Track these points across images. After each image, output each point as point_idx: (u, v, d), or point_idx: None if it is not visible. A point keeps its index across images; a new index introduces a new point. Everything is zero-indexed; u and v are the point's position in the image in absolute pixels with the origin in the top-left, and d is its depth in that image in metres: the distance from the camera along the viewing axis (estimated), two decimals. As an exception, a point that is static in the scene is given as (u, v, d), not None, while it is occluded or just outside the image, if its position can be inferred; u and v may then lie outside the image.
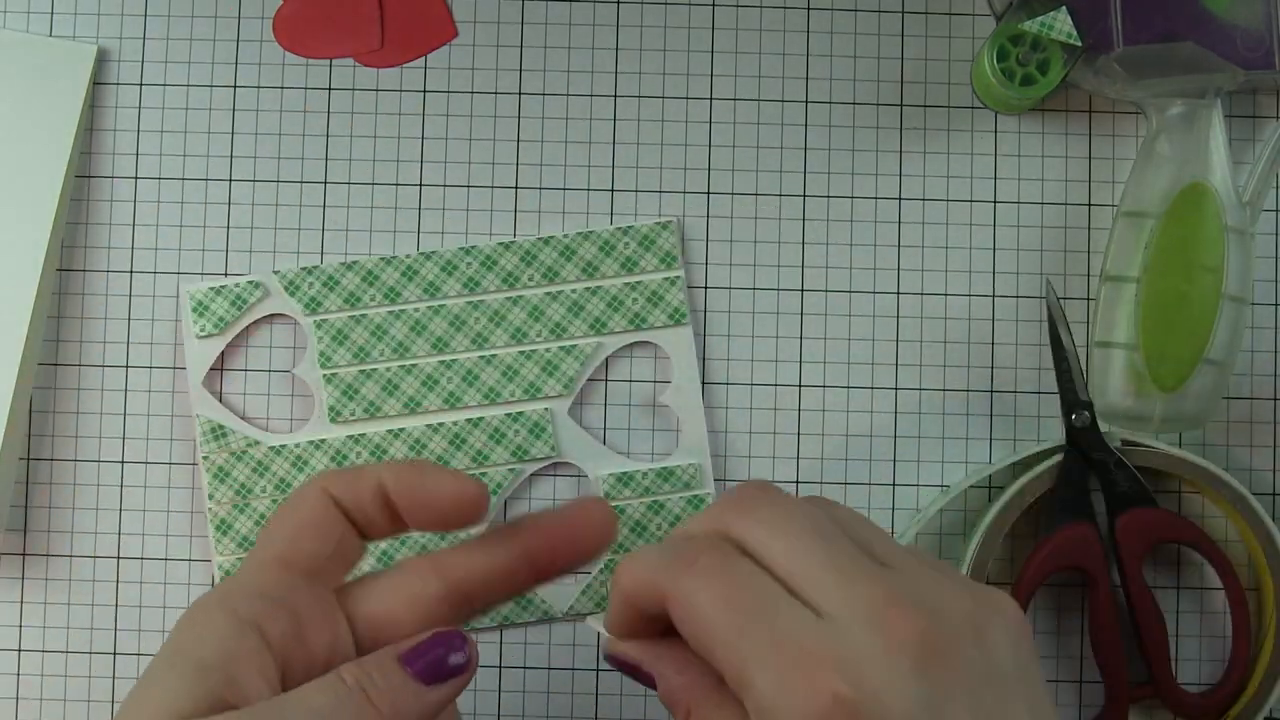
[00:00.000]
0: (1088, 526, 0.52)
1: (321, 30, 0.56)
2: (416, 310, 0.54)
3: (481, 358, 0.54)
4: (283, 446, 0.54)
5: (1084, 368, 0.53)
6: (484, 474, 0.54)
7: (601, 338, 0.54)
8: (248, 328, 0.54)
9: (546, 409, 0.54)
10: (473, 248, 0.54)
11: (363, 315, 0.54)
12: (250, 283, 0.54)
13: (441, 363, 0.54)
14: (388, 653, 0.39)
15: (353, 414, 0.53)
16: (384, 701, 0.37)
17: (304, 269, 0.54)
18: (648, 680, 0.40)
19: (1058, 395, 0.54)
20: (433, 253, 0.54)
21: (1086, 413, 0.52)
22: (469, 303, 0.54)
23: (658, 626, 0.38)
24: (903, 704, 0.34)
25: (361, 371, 0.54)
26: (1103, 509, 0.53)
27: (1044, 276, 0.55)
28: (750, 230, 0.55)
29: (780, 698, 0.34)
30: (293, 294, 0.54)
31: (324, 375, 0.54)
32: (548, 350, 0.54)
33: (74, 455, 0.54)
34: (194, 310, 0.54)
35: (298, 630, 0.38)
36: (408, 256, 0.54)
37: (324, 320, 0.54)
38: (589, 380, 0.54)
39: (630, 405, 0.55)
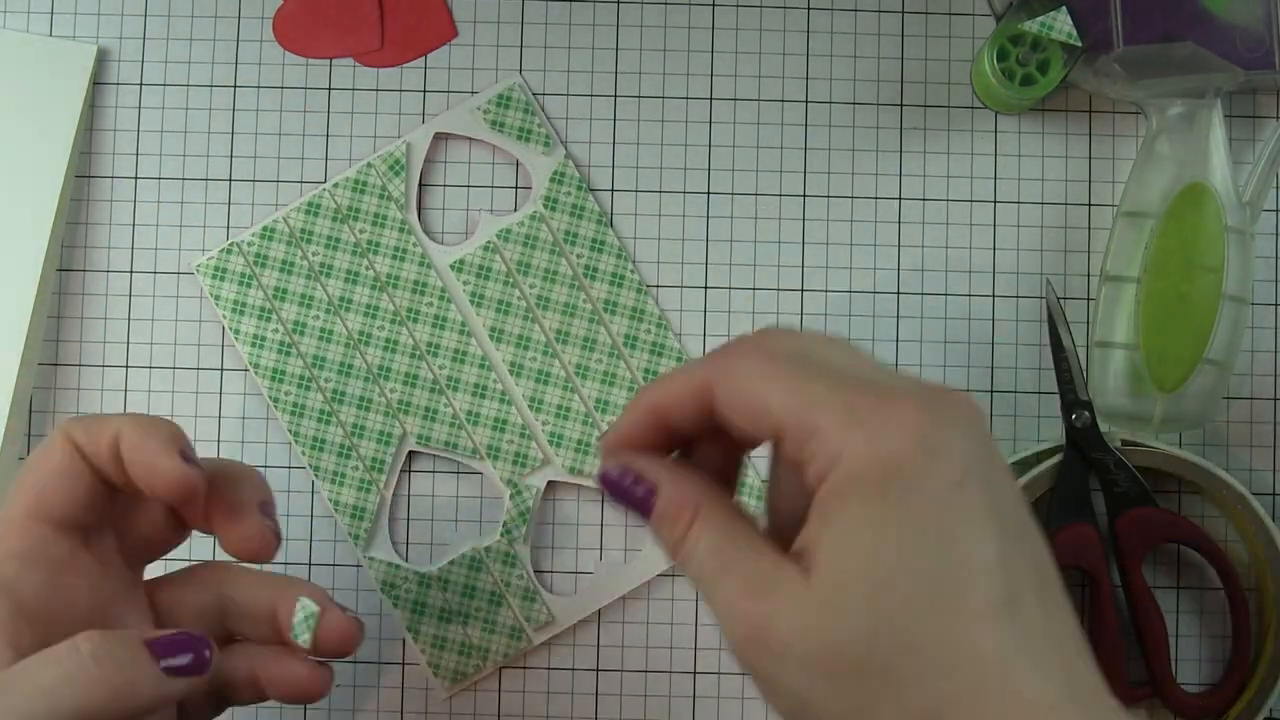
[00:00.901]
0: (1088, 526, 0.52)
1: (321, 30, 0.56)
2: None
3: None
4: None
5: (1084, 368, 0.53)
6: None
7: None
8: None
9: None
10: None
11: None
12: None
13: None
14: (134, 635, 0.38)
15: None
16: (119, 675, 0.36)
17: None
18: (642, 500, 0.38)
19: (1058, 395, 0.54)
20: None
21: (1086, 413, 0.52)
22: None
23: (665, 446, 0.38)
24: (970, 436, 0.34)
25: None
26: (1102, 509, 0.53)
27: (1044, 276, 0.55)
28: (750, 230, 0.55)
29: (855, 422, 0.34)
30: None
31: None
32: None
33: (74, 455, 0.54)
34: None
35: (56, 585, 0.37)
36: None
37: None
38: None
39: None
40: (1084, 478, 0.53)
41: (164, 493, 0.40)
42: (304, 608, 0.42)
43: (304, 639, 0.42)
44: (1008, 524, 0.35)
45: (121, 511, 0.42)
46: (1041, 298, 0.55)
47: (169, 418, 0.54)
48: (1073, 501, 0.52)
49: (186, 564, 0.45)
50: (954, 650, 0.33)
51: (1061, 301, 0.54)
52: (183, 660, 0.38)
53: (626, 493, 0.38)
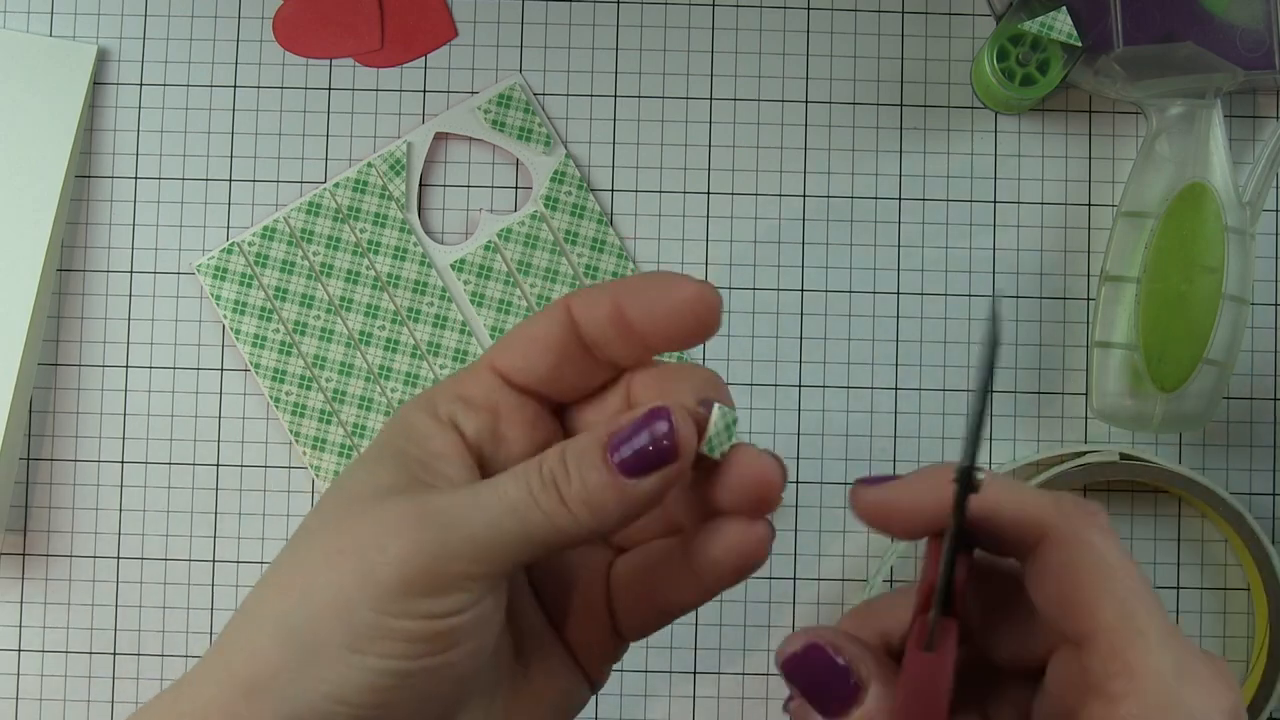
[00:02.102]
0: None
1: (321, 30, 0.56)
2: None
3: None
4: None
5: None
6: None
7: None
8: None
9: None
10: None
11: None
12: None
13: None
14: (594, 437, 0.33)
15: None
16: (576, 500, 0.33)
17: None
18: (838, 694, 0.32)
19: (1060, 395, 0.54)
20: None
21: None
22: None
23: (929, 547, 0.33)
24: None
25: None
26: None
27: (994, 293, 0.54)
28: (750, 230, 0.55)
29: (1182, 684, 0.30)
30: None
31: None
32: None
33: (74, 455, 0.54)
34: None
35: (496, 431, 0.35)
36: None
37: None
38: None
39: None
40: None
41: (690, 317, 0.34)
42: (724, 415, 0.34)
43: (722, 450, 0.34)
44: None
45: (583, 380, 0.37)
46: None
47: (166, 416, 0.55)
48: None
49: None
50: None
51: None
52: (638, 446, 0.33)
53: (822, 679, 0.32)
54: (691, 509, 0.36)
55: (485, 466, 0.35)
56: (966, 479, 0.30)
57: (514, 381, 0.36)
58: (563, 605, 0.38)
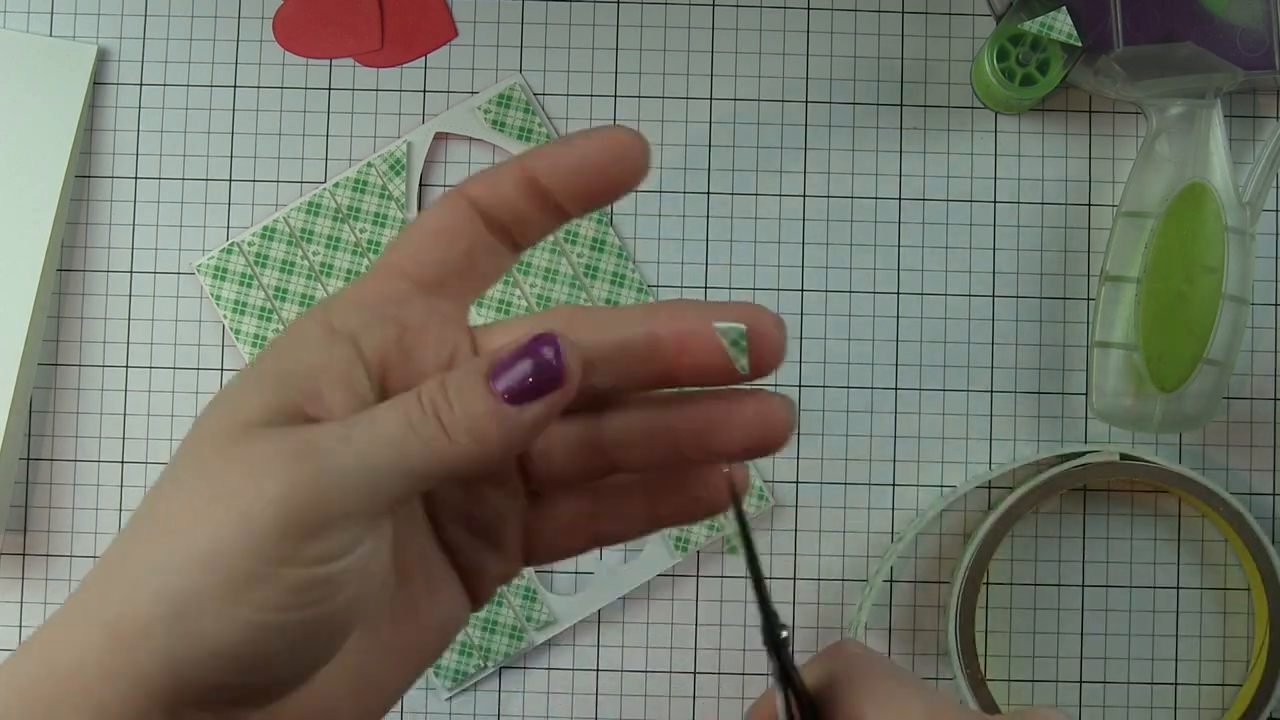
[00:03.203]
0: None
1: (321, 30, 0.56)
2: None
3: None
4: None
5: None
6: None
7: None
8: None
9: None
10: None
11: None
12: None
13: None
14: (475, 366, 0.32)
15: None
16: (458, 429, 0.31)
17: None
18: None
19: (1060, 395, 0.54)
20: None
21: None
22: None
23: None
24: None
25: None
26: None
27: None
28: (750, 230, 0.55)
29: None
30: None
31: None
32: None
33: (74, 455, 0.54)
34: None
35: (402, 342, 0.33)
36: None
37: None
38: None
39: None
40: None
41: (612, 164, 0.33)
42: (728, 333, 0.34)
43: (741, 364, 0.34)
44: None
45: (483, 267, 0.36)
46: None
47: (166, 416, 0.54)
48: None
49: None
50: None
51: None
52: (523, 374, 0.32)
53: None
54: (656, 442, 0.35)
55: (390, 387, 0.33)
56: (774, 642, 0.34)
57: (424, 281, 0.34)
58: (463, 535, 0.36)
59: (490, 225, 0.34)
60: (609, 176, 0.33)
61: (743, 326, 0.33)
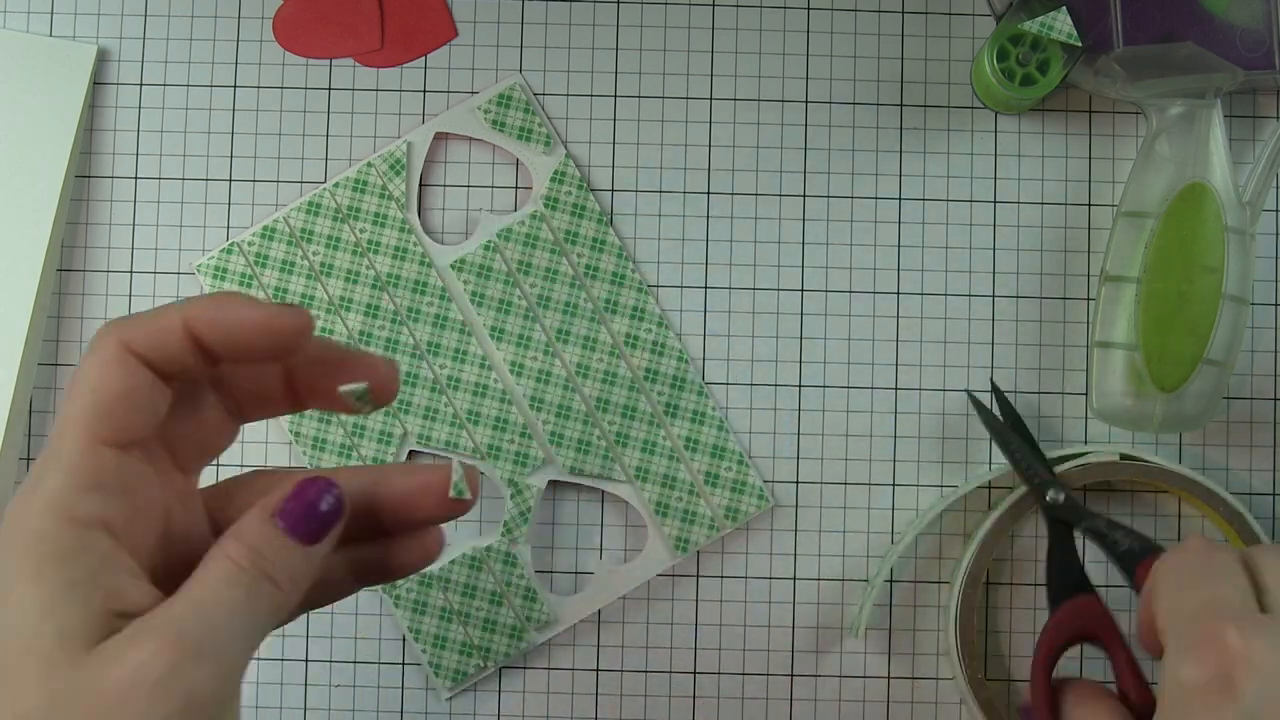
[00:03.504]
0: (1088, 598, 0.50)
1: (321, 30, 0.56)
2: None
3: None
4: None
5: (1036, 442, 0.52)
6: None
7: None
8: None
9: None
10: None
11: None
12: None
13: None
14: (260, 515, 0.35)
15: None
16: (284, 578, 0.35)
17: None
18: None
19: (1060, 395, 0.54)
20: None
21: (1059, 493, 0.51)
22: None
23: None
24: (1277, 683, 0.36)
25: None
26: (1105, 577, 0.53)
27: (968, 392, 0.54)
28: (750, 230, 0.55)
29: (1182, 633, 0.38)
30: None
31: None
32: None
33: (74, 455, 0.54)
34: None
35: (137, 514, 0.35)
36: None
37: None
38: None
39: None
40: (1072, 553, 0.51)
41: (271, 338, 0.36)
42: (354, 391, 0.38)
43: (464, 491, 0.40)
44: None
45: (174, 413, 0.38)
46: (986, 389, 0.55)
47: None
48: (1068, 579, 0.51)
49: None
50: None
51: (999, 395, 0.54)
52: (307, 516, 0.36)
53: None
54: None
55: (138, 556, 0.35)
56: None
57: (125, 445, 0.35)
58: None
59: (157, 372, 0.36)
60: (263, 347, 0.36)
61: (365, 385, 0.37)
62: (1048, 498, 0.51)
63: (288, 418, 0.54)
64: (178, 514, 0.37)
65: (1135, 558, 0.50)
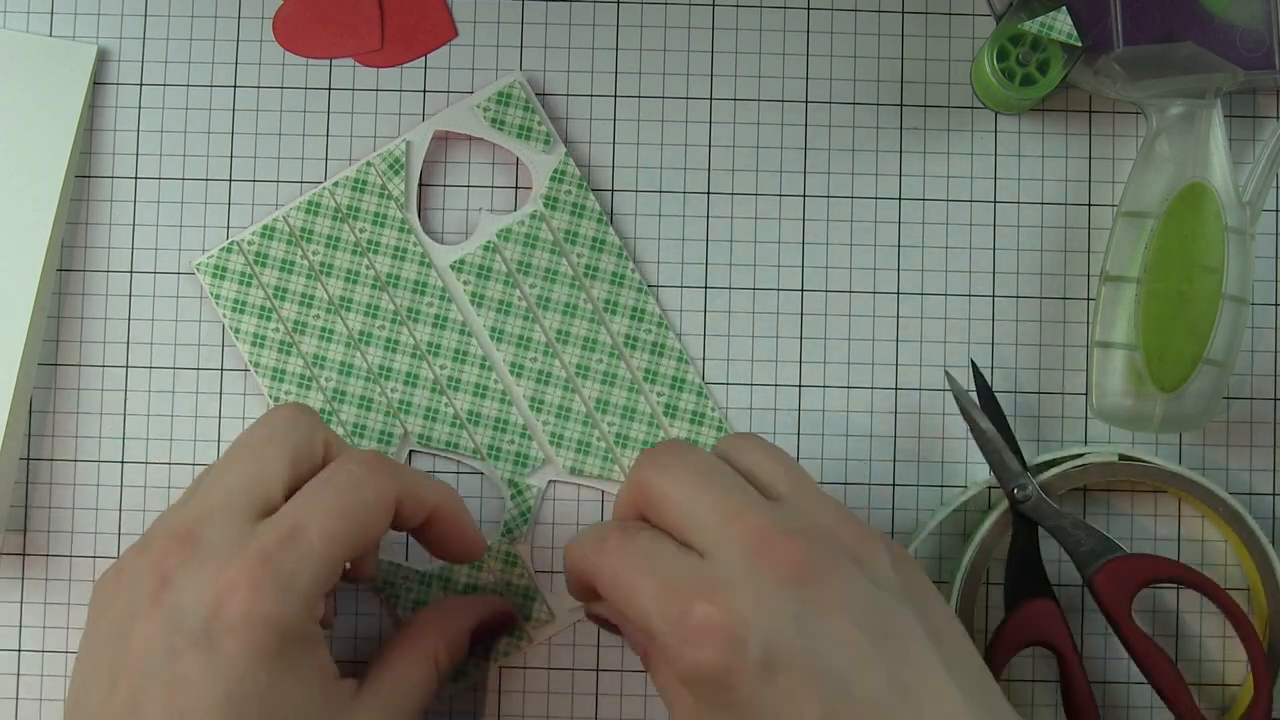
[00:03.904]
0: (1045, 601, 0.51)
1: (321, 30, 0.56)
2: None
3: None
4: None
5: (1013, 434, 0.52)
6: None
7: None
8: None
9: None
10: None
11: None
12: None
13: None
14: (463, 629, 0.50)
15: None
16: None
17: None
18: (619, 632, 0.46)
19: (1060, 395, 0.54)
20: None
21: (1028, 485, 0.52)
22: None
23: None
24: (774, 620, 0.38)
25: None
26: (1070, 576, 0.53)
27: (944, 369, 0.54)
28: (750, 230, 0.55)
29: (668, 632, 0.39)
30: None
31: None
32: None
33: (74, 455, 0.54)
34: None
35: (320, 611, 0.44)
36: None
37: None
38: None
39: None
40: (1035, 551, 0.52)
41: (463, 556, 0.50)
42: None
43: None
44: (830, 691, 0.38)
45: None
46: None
47: (166, 416, 0.54)
48: (1026, 578, 0.52)
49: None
50: None
51: (978, 375, 0.54)
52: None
53: (611, 629, 0.47)
54: None
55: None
56: None
57: (349, 560, 0.45)
58: None
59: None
60: (458, 559, 0.51)
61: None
62: (1015, 493, 0.51)
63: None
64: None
65: (1095, 558, 0.51)
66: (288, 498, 0.44)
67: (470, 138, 0.55)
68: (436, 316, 0.54)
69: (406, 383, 0.54)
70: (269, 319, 0.54)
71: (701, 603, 0.39)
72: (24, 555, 0.54)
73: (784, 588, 0.39)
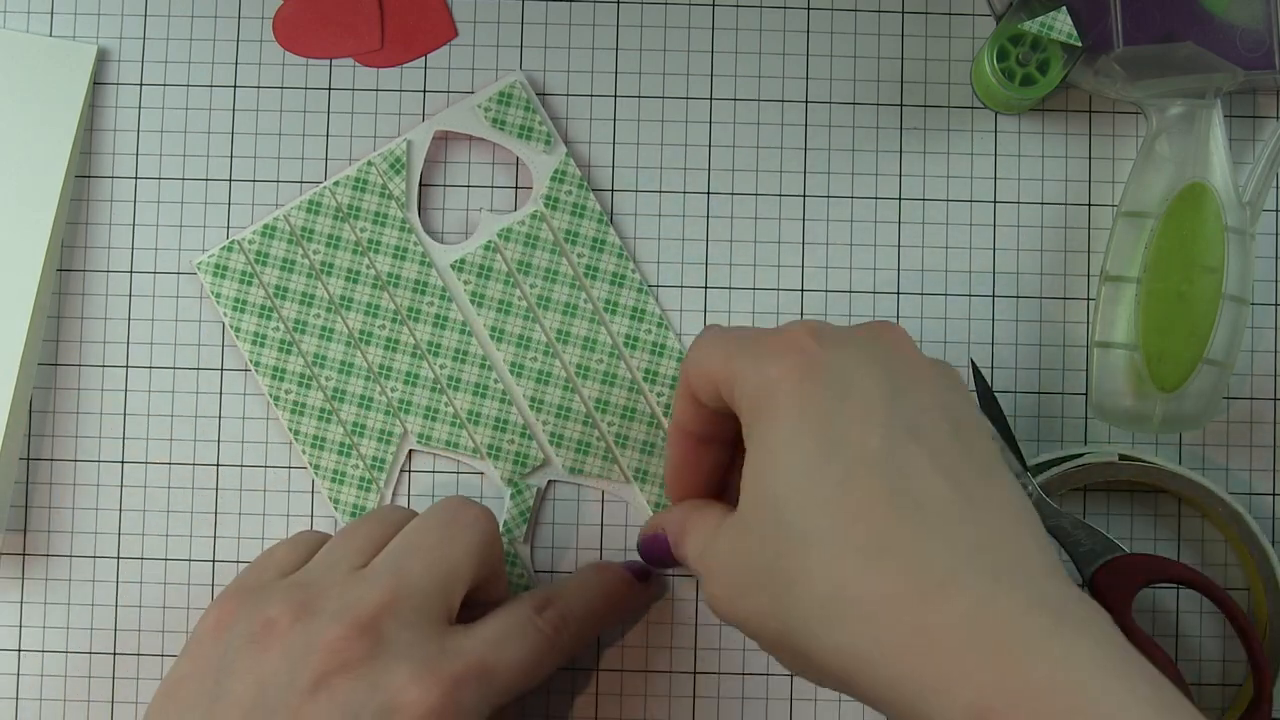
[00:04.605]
0: None
1: (321, 30, 0.56)
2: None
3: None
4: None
5: (1013, 434, 0.52)
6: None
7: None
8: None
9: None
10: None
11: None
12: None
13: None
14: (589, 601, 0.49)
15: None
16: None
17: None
18: (663, 551, 0.48)
19: (1060, 395, 0.54)
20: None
21: (1028, 485, 0.51)
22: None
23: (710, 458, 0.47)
24: (856, 356, 0.40)
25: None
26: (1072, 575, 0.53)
27: (969, 363, 0.54)
28: (750, 230, 0.55)
29: (755, 362, 0.40)
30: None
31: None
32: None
33: (74, 455, 0.54)
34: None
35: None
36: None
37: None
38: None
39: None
40: None
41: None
42: None
43: None
44: (899, 420, 0.38)
45: None
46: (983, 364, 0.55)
47: (166, 416, 0.54)
48: None
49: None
50: (838, 545, 0.37)
51: (978, 375, 0.53)
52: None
53: (656, 553, 0.48)
54: None
55: None
56: None
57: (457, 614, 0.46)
58: None
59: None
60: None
61: None
62: None
63: (285, 415, 0.54)
64: None
65: (1095, 558, 0.51)
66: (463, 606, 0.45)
67: (471, 137, 0.55)
68: (437, 316, 0.54)
69: (407, 382, 0.54)
70: (269, 318, 0.54)
71: (791, 332, 0.41)
72: (24, 555, 0.54)
73: (871, 344, 0.42)
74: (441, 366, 0.54)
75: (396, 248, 0.54)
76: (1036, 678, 0.33)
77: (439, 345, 0.54)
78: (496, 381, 0.54)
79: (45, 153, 0.54)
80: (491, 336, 0.54)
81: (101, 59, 0.55)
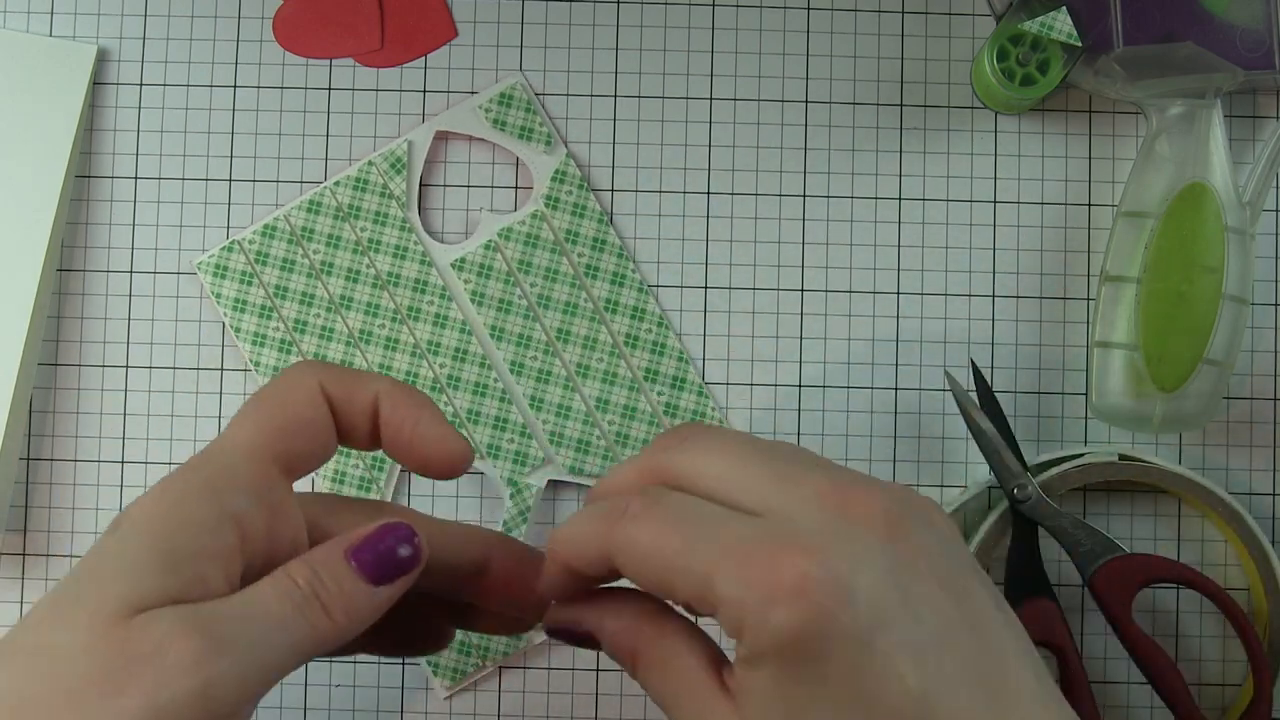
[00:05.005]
0: (1046, 601, 0.51)
1: (321, 30, 0.56)
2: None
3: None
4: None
5: (1013, 434, 0.52)
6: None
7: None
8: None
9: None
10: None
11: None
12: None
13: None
14: (335, 548, 0.36)
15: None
16: (337, 608, 0.36)
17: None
18: (590, 640, 0.39)
19: (1060, 395, 0.54)
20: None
21: (1028, 485, 0.51)
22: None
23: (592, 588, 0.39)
24: (874, 577, 0.33)
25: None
26: (1069, 576, 0.53)
27: (944, 369, 0.54)
28: (750, 230, 0.55)
29: (747, 593, 0.33)
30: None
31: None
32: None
33: (74, 455, 0.54)
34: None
35: (271, 530, 0.36)
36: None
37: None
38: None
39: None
40: (1035, 551, 0.52)
41: (432, 459, 0.39)
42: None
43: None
44: (927, 658, 0.33)
45: None
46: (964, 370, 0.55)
47: (166, 416, 0.55)
48: (1027, 578, 0.51)
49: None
50: None
51: (978, 375, 0.53)
52: (387, 557, 0.37)
53: (576, 641, 0.40)
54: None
55: (249, 567, 0.36)
56: None
57: (287, 468, 0.38)
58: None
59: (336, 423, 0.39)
60: (425, 466, 0.40)
61: None
62: (1015, 493, 0.51)
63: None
64: (296, 529, 0.38)
65: (1095, 558, 0.51)
66: None
67: (471, 138, 0.55)
68: (437, 315, 0.54)
69: (406, 381, 0.54)
70: (270, 318, 0.54)
71: (792, 556, 0.33)
72: (24, 555, 0.54)
73: (875, 544, 0.34)
74: (441, 365, 0.54)
75: (397, 247, 0.54)
76: None
77: (439, 344, 0.54)
78: (496, 380, 0.54)
79: (45, 153, 0.54)
80: (491, 335, 0.54)
81: (101, 59, 0.55)
